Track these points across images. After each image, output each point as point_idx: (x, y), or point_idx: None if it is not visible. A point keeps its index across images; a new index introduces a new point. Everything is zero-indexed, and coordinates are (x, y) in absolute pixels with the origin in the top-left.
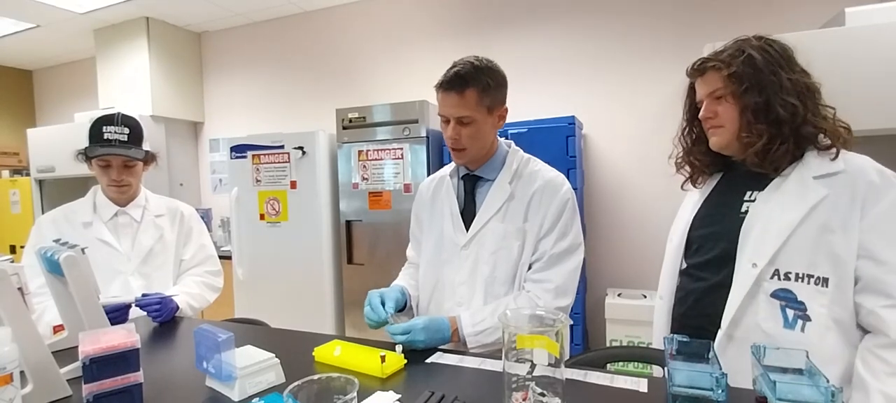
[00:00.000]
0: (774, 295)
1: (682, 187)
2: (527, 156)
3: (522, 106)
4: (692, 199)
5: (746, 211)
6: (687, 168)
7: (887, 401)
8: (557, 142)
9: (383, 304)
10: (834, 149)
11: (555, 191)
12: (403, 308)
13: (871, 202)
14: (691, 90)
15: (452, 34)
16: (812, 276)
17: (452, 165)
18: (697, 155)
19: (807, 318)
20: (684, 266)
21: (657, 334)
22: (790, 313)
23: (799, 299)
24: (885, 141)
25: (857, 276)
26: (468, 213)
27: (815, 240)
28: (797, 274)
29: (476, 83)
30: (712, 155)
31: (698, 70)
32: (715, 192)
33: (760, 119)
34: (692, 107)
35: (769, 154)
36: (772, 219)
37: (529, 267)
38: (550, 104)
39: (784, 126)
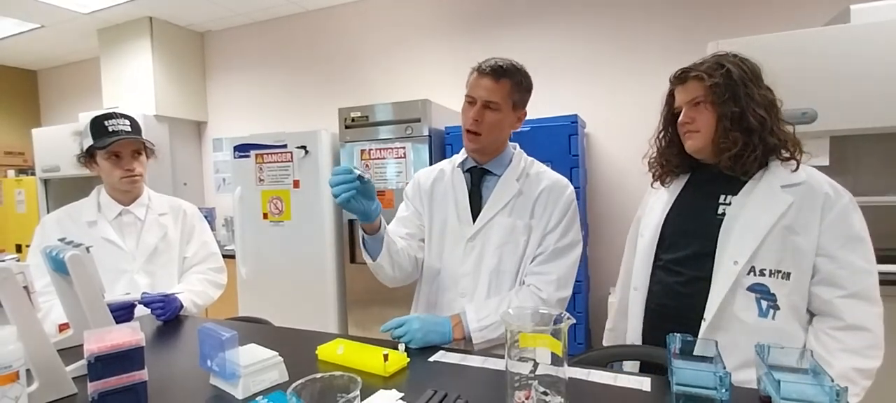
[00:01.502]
0: (750, 288)
1: (651, 185)
2: (530, 158)
3: None
4: (661, 198)
5: (723, 214)
6: (657, 168)
7: (844, 373)
8: (560, 141)
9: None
10: (794, 162)
11: (561, 191)
12: (377, 227)
13: (827, 209)
14: (670, 97)
15: (455, 33)
16: (779, 271)
17: (456, 158)
18: (669, 156)
19: (777, 307)
20: (659, 260)
21: (632, 324)
22: (764, 304)
23: (771, 291)
24: (891, 138)
25: (816, 271)
26: (473, 206)
27: (783, 240)
28: (769, 271)
29: (512, 77)
30: (682, 157)
31: (680, 78)
32: (687, 192)
33: (735, 127)
34: (670, 113)
35: (741, 159)
36: (749, 222)
37: (532, 261)
38: (553, 103)
39: (754, 135)
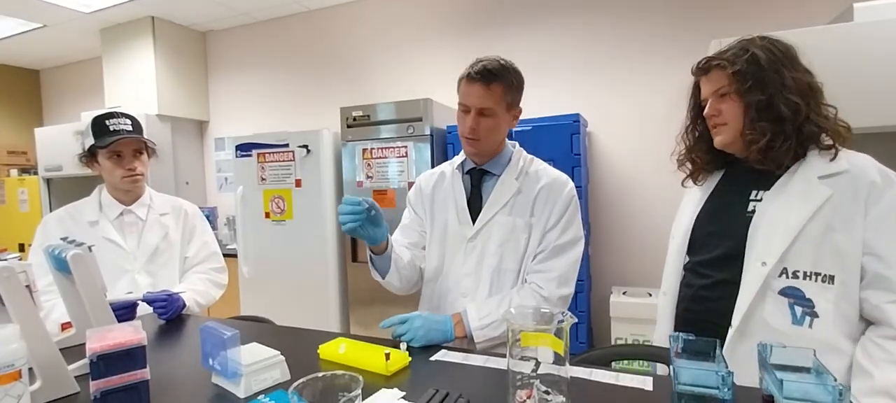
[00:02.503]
0: (782, 292)
1: (682, 184)
2: (530, 156)
3: (527, 103)
4: (693, 197)
5: (753, 211)
6: (688, 165)
7: (886, 387)
8: (562, 140)
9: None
10: (834, 149)
11: (560, 188)
12: (384, 247)
13: (873, 201)
14: (696, 89)
15: (457, 32)
16: (819, 274)
17: (456, 160)
18: (699, 153)
19: (815, 315)
20: (688, 262)
21: (660, 330)
22: (798, 310)
23: (807, 296)
24: (894, 137)
25: (863, 272)
26: (474, 206)
27: (820, 239)
28: (805, 273)
29: (502, 79)
30: (714, 152)
31: (703, 69)
32: (718, 190)
33: (763, 117)
34: (696, 106)
35: (771, 151)
36: (779, 219)
37: (533, 259)
38: (555, 102)
39: (786, 124)
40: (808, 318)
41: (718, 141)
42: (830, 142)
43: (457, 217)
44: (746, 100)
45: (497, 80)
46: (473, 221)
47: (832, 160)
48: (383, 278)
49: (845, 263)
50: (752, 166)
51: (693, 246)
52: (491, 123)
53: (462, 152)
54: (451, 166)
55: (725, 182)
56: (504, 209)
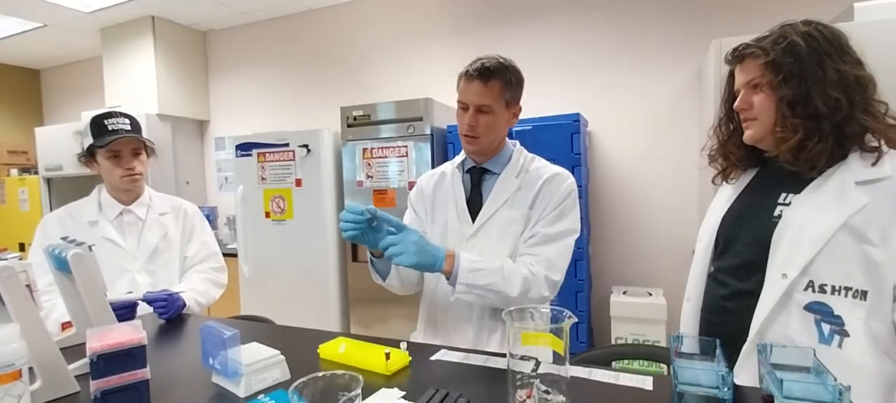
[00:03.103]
0: (808, 308)
1: (712, 181)
2: (530, 154)
3: (527, 103)
4: (725, 194)
5: (779, 216)
6: (721, 161)
7: None
8: (562, 140)
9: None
10: (878, 152)
11: (559, 182)
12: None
13: None
14: (730, 78)
15: (457, 32)
16: (849, 289)
17: (456, 160)
18: (732, 148)
19: (845, 333)
20: (711, 268)
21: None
22: (826, 328)
23: (835, 313)
24: None
25: (895, 290)
26: (474, 205)
27: (851, 251)
28: (833, 287)
29: (500, 76)
30: (748, 149)
31: (737, 57)
32: (748, 190)
33: (797, 113)
34: (730, 97)
35: (804, 151)
36: (805, 227)
37: (524, 243)
38: (555, 101)
39: (823, 121)
40: (837, 337)
41: (748, 135)
42: (875, 144)
43: (457, 215)
44: (779, 94)
45: (495, 78)
46: (473, 219)
47: (874, 164)
48: (384, 280)
49: (881, 278)
50: (784, 166)
51: (717, 250)
52: (489, 120)
53: (463, 151)
54: (451, 165)
55: (757, 181)
56: (503, 206)
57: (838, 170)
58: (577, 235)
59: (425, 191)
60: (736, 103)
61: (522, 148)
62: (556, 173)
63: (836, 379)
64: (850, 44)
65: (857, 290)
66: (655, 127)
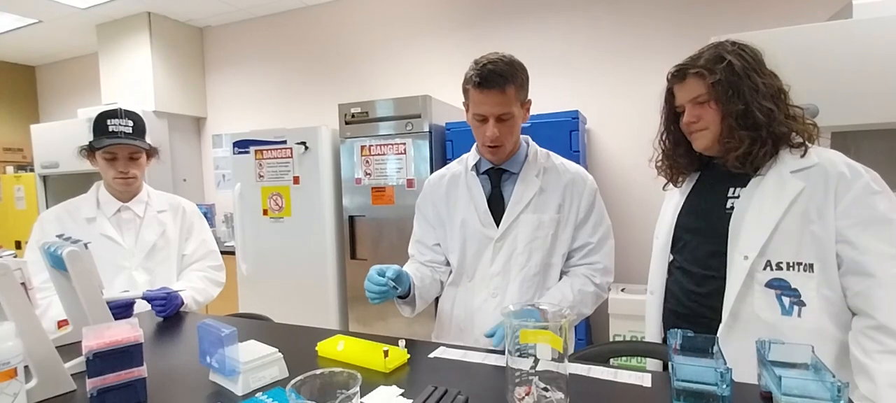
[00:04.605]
0: (769, 285)
1: (663, 188)
2: (545, 150)
3: None
4: (673, 198)
5: (732, 207)
6: (668, 170)
7: (889, 380)
8: (561, 137)
9: (383, 275)
10: (804, 147)
11: (583, 183)
12: (407, 292)
13: (843, 191)
14: (670, 94)
15: (456, 28)
16: (800, 263)
17: (466, 160)
18: (676, 157)
19: (802, 304)
20: (673, 261)
21: (651, 328)
22: (786, 300)
23: (792, 286)
24: (893, 134)
25: (839, 260)
26: (495, 206)
27: (799, 229)
28: (788, 263)
29: (514, 79)
30: (692, 155)
31: (678, 76)
32: (697, 190)
33: (741, 125)
34: (671, 111)
35: (750, 157)
36: (757, 214)
37: (570, 256)
38: (554, 98)
39: (762, 129)
40: (795, 308)
41: (698, 145)
42: (801, 140)
43: (479, 219)
44: (726, 109)
45: (510, 83)
46: (496, 221)
47: (803, 156)
48: (412, 314)
49: (823, 251)
50: (731, 169)
51: (676, 245)
52: (510, 127)
53: (472, 152)
54: (462, 166)
55: (703, 181)
56: (528, 207)
57: (774, 164)
58: (612, 230)
59: (436, 194)
60: (685, 118)
61: (535, 143)
62: (576, 173)
63: (834, 376)
64: (764, 59)
65: (806, 264)
66: (654, 124)
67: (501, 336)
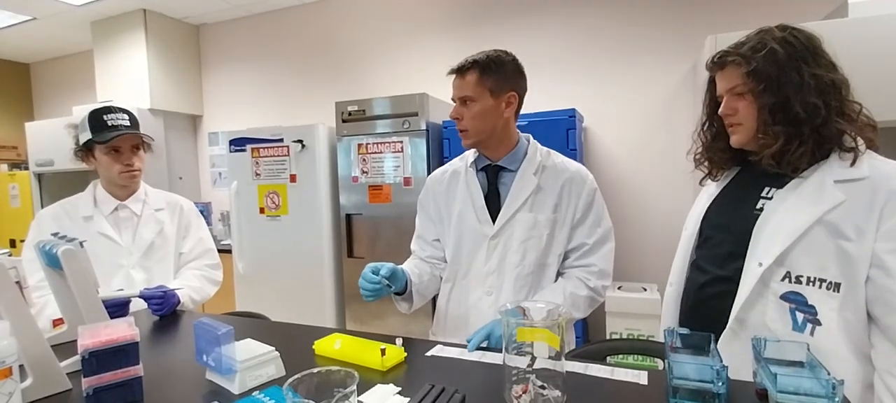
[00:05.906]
0: (784, 297)
1: (700, 183)
2: (546, 148)
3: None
4: (709, 190)
5: (761, 208)
6: (706, 164)
7: None
8: (558, 135)
9: (378, 273)
10: (854, 154)
11: (582, 182)
12: (404, 288)
13: (890, 211)
14: (711, 84)
15: (453, 27)
16: (824, 281)
17: (468, 157)
18: (717, 150)
19: (817, 322)
20: (694, 257)
21: (665, 321)
22: (800, 316)
23: (809, 303)
24: (890, 133)
25: (870, 285)
26: (492, 204)
27: (827, 244)
28: (808, 278)
29: (476, 65)
30: (732, 150)
31: (718, 64)
32: (732, 185)
33: (778, 120)
34: (712, 102)
35: (786, 156)
36: (784, 220)
37: (566, 256)
38: (551, 97)
39: (803, 126)
40: (809, 325)
41: (735, 140)
42: (852, 144)
43: (475, 215)
44: (761, 102)
45: (471, 69)
46: (493, 219)
47: (853, 164)
48: (410, 311)
49: (855, 272)
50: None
51: (700, 240)
52: (474, 110)
53: (472, 150)
54: (463, 163)
55: (741, 176)
56: (524, 206)
57: (819, 168)
58: (613, 230)
59: (437, 189)
60: (720, 109)
61: (537, 142)
62: (576, 171)
63: (829, 373)
64: (823, 47)
65: (831, 282)
66: (651, 122)
67: (476, 342)
